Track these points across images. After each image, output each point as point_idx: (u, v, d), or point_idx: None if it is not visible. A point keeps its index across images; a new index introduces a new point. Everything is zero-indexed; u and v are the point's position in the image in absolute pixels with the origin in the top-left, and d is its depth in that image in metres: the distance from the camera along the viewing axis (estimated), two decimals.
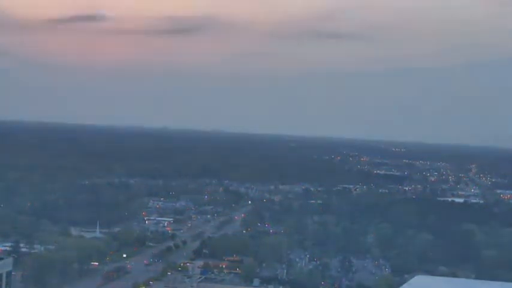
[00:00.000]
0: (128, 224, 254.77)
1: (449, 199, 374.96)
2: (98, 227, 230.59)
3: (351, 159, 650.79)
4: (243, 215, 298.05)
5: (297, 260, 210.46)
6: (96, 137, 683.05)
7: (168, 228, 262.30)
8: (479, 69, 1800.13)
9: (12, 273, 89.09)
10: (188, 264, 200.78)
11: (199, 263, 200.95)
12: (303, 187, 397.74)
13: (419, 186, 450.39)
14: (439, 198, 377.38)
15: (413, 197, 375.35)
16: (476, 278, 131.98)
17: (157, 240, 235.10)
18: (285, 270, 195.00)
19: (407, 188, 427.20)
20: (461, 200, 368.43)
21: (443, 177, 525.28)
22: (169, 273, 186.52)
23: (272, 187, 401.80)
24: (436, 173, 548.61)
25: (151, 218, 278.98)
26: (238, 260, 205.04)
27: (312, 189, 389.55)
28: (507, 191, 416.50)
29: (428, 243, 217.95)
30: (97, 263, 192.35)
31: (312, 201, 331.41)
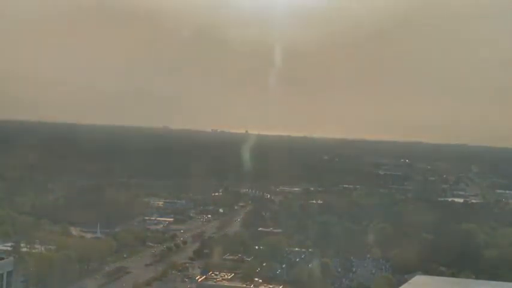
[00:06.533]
0: (128, 224, 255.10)
1: (449, 199, 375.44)
2: (98, 227, 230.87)
3: (350, 159, 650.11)
4: (243, 215, 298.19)
5: (297, 260, 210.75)
6: (96, 137, 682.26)
7: (168, 228, 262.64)
8: None
9: (13, 273, 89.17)
10: (188, 264, 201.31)
11: (199, 263, 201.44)
12: (303, 187, 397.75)
13: (419, 186, 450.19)
14: (439, 198, 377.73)
15: (413, 197, 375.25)
16: (476, 278, 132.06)
17: (157, 240, 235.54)
18: (285, 270, 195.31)
19: (407, 188, 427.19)
20: (461, 200, 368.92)
21: (443, 177, 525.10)
22: (169, 273, 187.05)
23: (272, 187, 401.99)
24: (436, 173, 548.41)
25: (152, 218, 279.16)
26: (238, 260, 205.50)
27: (312, 189, 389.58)
28: (507, 191, 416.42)
29: (428, 243, 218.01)
30: (97, 263, 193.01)
31: (312, 201, 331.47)
